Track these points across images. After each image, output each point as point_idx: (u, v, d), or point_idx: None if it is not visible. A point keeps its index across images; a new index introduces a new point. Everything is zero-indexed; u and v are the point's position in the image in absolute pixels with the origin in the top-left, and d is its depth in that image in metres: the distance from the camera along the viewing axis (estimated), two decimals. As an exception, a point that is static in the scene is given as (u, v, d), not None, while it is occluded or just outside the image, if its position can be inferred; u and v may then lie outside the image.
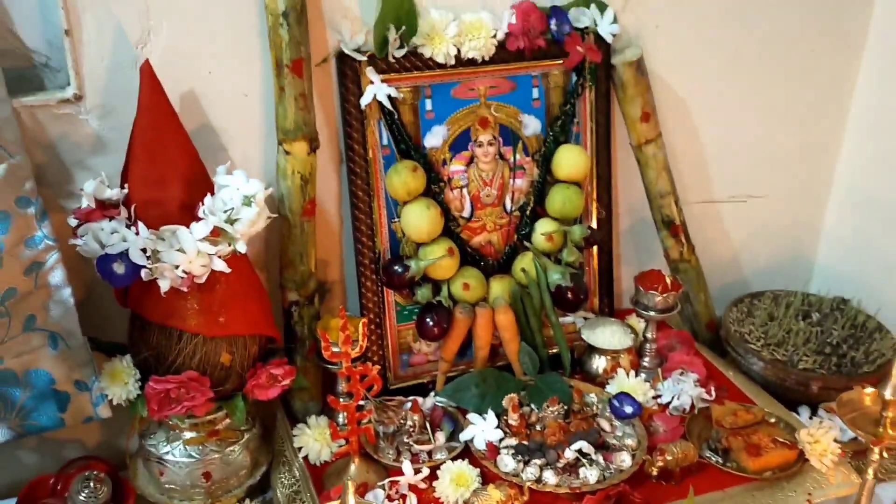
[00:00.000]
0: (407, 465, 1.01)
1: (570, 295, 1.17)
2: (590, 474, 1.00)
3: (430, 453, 1.05)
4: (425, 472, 1.01)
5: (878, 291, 1.37)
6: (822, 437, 1.07)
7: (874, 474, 0.91)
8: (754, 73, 1.31)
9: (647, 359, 1.22)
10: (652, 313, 1.19)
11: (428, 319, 1.13)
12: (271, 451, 1.09)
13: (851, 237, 1.45)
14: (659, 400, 1.16)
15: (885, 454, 0.89)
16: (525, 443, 1.05)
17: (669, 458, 1.03)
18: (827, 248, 1.50)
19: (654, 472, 1.03)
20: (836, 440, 1.06)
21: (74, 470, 1.06)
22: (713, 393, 1.16)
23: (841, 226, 1.47)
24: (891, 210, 1.37)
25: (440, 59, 1.08)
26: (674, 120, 1.27)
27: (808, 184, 1.45)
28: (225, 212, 0.93)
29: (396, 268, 1.11)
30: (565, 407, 1.10)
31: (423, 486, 1.01)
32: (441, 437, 1.07)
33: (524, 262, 1.17)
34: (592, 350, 1.20)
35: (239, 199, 0.94)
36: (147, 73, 0.92)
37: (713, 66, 1.28)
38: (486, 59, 1.11)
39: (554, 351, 1.21)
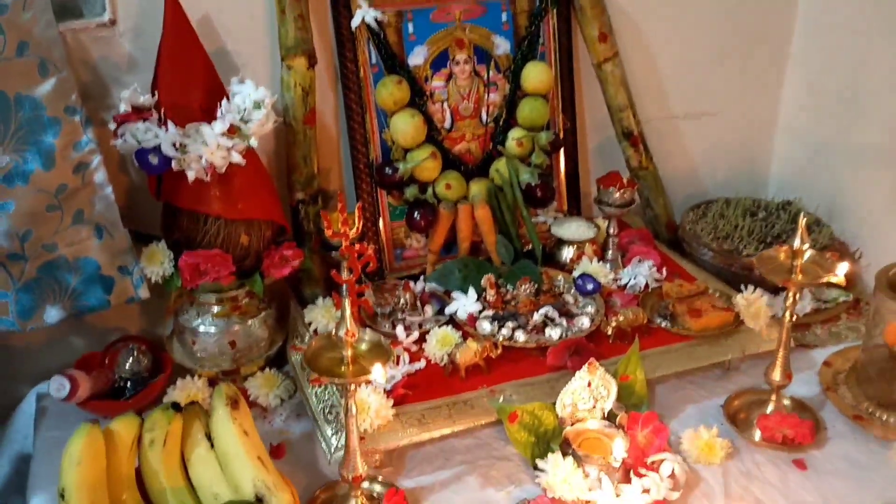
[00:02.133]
0: (400, 330, 1.20)
1: (538, 192, 1.34)
2: (553, 333, 1.19)
3: (420, 325, 1.24)
4: (415, 335, 1.20)
5: (820, 196, 1.55)
6: (755, 301, 1.24)
7: (791, 315, 1.08)
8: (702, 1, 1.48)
9: (609, 251, 1.39)
10: (612, 209, 1.36)
11: (416, 214, 1.31)
12: (285, 331, 1.28)
13: (800, 149, 1.62)
14: (618, 282, 1.34)
15: (797, 297, 1.06)
16: (500, 313, 1.23)
17: (622, 318, 1.21)
18: (778, 161, 1.67)
19: (609, 332, 1.21)
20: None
21: (120, 346, 1.25)
22: (664, 273, 1.34)
23: (790, 140, 1.63)
24: (827, 127, 1.53)
25: (419, -14, 1.26)
26: (630, 41, 1.44)
27: (757, 103, 1.60)
28: (239, 113, 1.11)
29: (387, 170, 1.29)
30: (536, 286, 1.27)
31: (413, 347, 1.19)
32: (429, 310, 1.25)
33: (499, 165, 1.34)
34: (561, 242, 1.38)
35: (250, 103, 1.12)
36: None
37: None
38: (460, -14, 1.28)
39: (528, 247, 1.39)
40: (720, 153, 1.63)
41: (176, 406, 0.99)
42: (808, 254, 1.06)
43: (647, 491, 0.99)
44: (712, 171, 1.63)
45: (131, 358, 1.20)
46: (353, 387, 0.90)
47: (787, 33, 1.56)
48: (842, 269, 1.03)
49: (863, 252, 1.46)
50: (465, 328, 1.20)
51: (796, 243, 1.04)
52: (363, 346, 0.91)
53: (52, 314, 1.18)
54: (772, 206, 1.53)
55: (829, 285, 1.36)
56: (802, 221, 1.03)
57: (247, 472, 0.93)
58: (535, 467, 1.04)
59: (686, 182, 1.61)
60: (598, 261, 1.35)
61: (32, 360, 1.28)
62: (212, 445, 0.98)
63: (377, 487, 1.02)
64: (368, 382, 0.93)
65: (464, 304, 1.23)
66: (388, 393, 1.08)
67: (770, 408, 1.14)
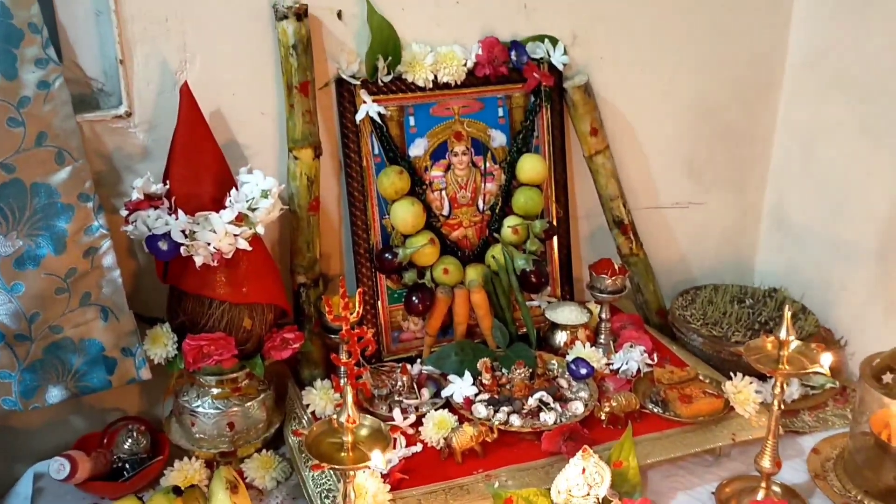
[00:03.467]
0: (397, 413, 1.22)
1: (533, 278, 1.39)
2: (548, 417, 1.21)
3: (416, 408, 1.26)
4: (412, 419, 1.22)
5: (805, 284, 1.60)
6: (744, 388, 1.27)
7: (779, 404, 1.11)
8: (688, 96, 1.55)
9: (602, 336, 1.43)
10: (604, 295, 1.40)
11: (414, 298, 1.35)
12: (283, 412, 1.29)
13: (785, 239, 1.67)
14: (610, 367, 1.37)
15: (784, 385, 1.09)
16: (496, 396, 1.26)
17: (615, 404, 1.23)
18: (764, 250, 1.73)
19: (603, 417, 1.23)
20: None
21: (119, 427, 1.26)
22: (655, 358, 1.37)
23: (775, 230, 1.69)
24: (811, 219, 1.59)
25: (420, 84, 1.32)
26: (620, 134, 1.51)
27: (743, 193, 1.67)
28: (247, 201, 1.15)
29: (387, 255, 1.33)
30: (530, 370, 1.30)
31: (410, 431, 1.21)
32: (426, 393, 1.27)
33: (495, 252, 1.39)
34: (555, 327, 1.41)
35: (258, 192, 1.17)
36: (186, 93, 1.16)
37: (651, 89, 1.51)
38: (459, 83, 1.34)
39: (523, 331, 1.42)
40: (707, 241, 1.68)
41: (177, 490, 1.00)
42: (793, 344, 1.09)
43: (641, 581, 1.00)
44: (700, 259, 1.68)
45: (130, 439, 1.21)
46: (352, 473, 0.92)
47: (770, 130, 1.63)
48: (826, 360, 1.07)
49: (847, 340, 1.50)
50: (462, 412, 1.22)
51: (782, 334, 1.08)
52: (363, 432, 0.94)
53: (55, 394, 1.21)
54: (758, 293, 1.57)
55: (816, 373, 1.41)
56: (788, 313, 1.07)
57: (245, 557, 0.94)
58: (530, 554, 1.05)
59: (675, 269, 1.66)
60: (591, 345, 1.38)
61: (30, 439, 1.29)
62: (211, 529, 0.99)
63: (374, 576, 1.03)
64: (368, 468, 0.94)
65: (460, 387, 1.26)
66: (385, 477, 1.09)
67: (760, 495, 1.16)
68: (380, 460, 0.89)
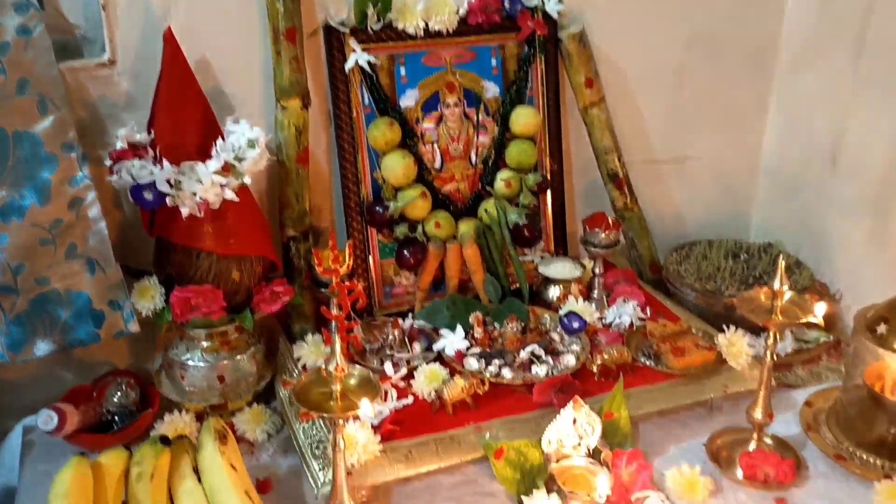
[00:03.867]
0: (388, 366, 1.21)
1: (526, 232, 1.38)
2: (540, 370, 1.20)
3: (408, 361, 1.25)
4: (403, 372, 1.21)
5: (800, 239, 1.58)
6: (736, 341, 1.27)
7: (771, 355, 1.10)
8: (687, 46, 1.52)
9: (595, 291, 1.42)
10: (597, 249, 1.39)
11: (405, 252, 1.33)
12: (274, 367, 1.29)
13: (781, 194, 1.65)
14: (603, 321, 1.36)
15: (777, 336, 1.09)
16: (487, 350, 1.25)
17: (606, 356, 1.23)
18: (760, 205, 1.71)
19: (595, 369, 1.23)
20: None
21: (108, 380, 1.26)
22: (648, 313, 1.36)
23: (771, 184, 1.67)
24: (808, 174, 1.57)
25: (411, 31, 1.30)
26: (616, 86, 1.48)
27: (739, 148, 1.65)
28: (234, 151, 1.13)
29: (378, 208, 1.32)
30: (522, 324, 1.29)
31: (401, 384, 1.21)
32: (417, 347, 1.27)
33: (487, 205, 1.37)
34: (548, 281, 1.40)
35: (245, 141, 1.15)
36: (169, 39, 1.13)
37: (648, 40, 1.49)
38: (451, 31, 1.32)
39: (515, 286, 1.41)
40: (703, 196, 1.66)
41: (164, 440, 0.99)
42: (787, 295, 1.08)
43: (631, 530, 1.01)
44: (695, 214, 1.67)
45: (119, 392, 1.20)
46: (341, 422, 0.91)
47: (768, 82, 1.61)
48: (820, 310, 1.06)
49: (842, 294, 1.49)
50: (453, 365, 1.21)
51: (776, 285, 1.07)
52: (352, 382, 0.93)
53: (42, 347, 1.20)
54: (753, 248, 1.56)
55: (809, 326, 1.41)
56: (781, 263, 1.06)
57: (234, 506, 0.94)
58: (521, 503, 1.05)
59: (670, 224, 1.65)
60: (584, 300, 1.37)
61: (19, 393, 1.29)
62: (199, 479, 0.98)
63: (364, 528, 1.03)
64: (357, 417, 0.94)
65: (452, 341, 1.25)
66: (376, 428, 1.09)
67: (752, 446, 1.16)
68: (368, 409, 0.88)
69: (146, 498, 0.95)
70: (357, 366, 0.95)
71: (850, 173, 1.47)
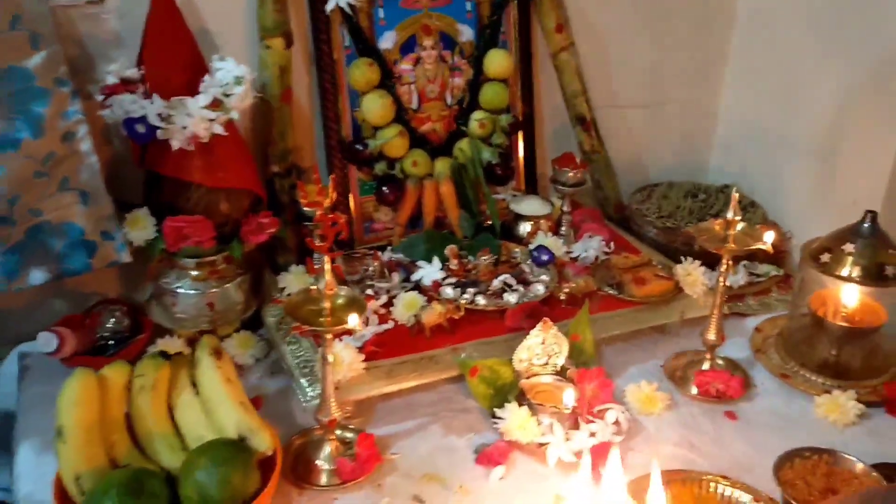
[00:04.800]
0: (369, 294, 1.29)
1: (498, 170, 1.45)
2: (511, 297, 1.29)
3: (387, 291, 1.33)
4: (384, 300, 1.29)
5: (755, 181, 1.68)
6: (693, 271, 1.36)
7: (724, 280, 1.20)
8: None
9: (563, 227, 1.50)
10: (565, 188, 1.47)
11: (384, 188, 1.40)
12: (260, 297, 1.35)
13: (738, 138, 1.74)
14: (570, 255, 1.44)
15: (730, 264, 1.18)
16: (462, 280, 1.33)
17: (574, 286, 1.32)
18: (718, 150, 1.80)
19: (562, 297, 1.31)
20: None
21: (100, 308, 1.31)
22: (612, 247, 1.45)
23: (729, 129, 1.76)
24: (763, 120, 1.66)
25: (390, -25, 1.35)
26: (584, 32, 1.54)
27: (700, 94, 1.73)
28: (221, 87, 1.18)
29: (358, 146, 1.38)
30: (495, 257, 1.37)
31: (381, 311, 1.28)
32: (396, 278, 1.34)
33: (462, 145, 1.44)
34: (519, 218, 1.48)
35: (231, 78, 1.19)
36: (157, -22, 1.17)
37: (616, -10, 1.56)
38: (428, -24, 1.38)
39: (488, 223, 1.49)
40: (666, 140, 1.75)
41: (164, 354, 1.06)
42: (739, 225, 1.18)
43: (593, 434, 1.10)
44: (658, 158, 1.75)
45: (113, 318, 1.26)
46: (330, 336, 0.99)
47: (727, 30, 1.68)
48: (769, 237, 1.15)
49: (792, 232, 1.59)
50: (430, 293, 1.29)
51: (729, 215, 1.16)
52: (340, 301, 1.00)
53: (37, 276, 1.25)
54: (711, 188, 1.65)
55: (761, 259, 1.51)
56: (735, 195, 1.15)
57: (231, 415, 1.01)
58: (494, 416, 1.14)
59: (634, 167, 1.73)
60: (553, 235, 1.45)
61: (13, 322, 1.34)
62: (196, 393, 1.05)
63: (349, 434, 1.11)
64: (347, 332, 1.01)
65: (428, 272, 1.33)
66: (359, 350, 1.17)
67: (706, 366, 1.26)
68: (356, 322, 0.96)
69: (147, 408, 1.01)
70: (344, 287, 1.02)
71: (801, 119, 1.56)
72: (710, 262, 1.34)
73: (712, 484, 1.02)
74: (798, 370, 1.29)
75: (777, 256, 1.53)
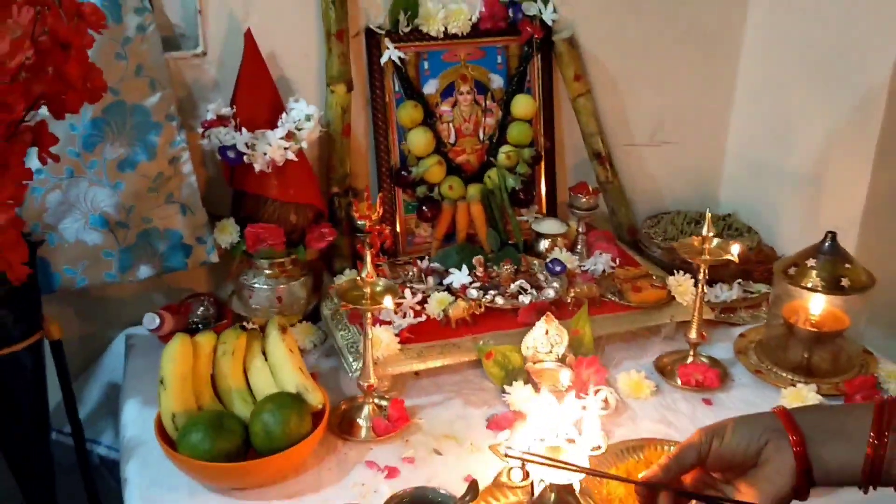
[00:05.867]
0: (408, 293, 1.55)
1: (521, 195, 1.71)
2: (525, 298, 1.53)
3: (423, 291, 1.59)
4: (419, 297, 1.55)
5: (756, 210, 1.90)
6: (683, 282, 1.58)
7: (702, 287, 1.42)
8: (660, 50, 1.83)
9: (578, 246, 1.74)
10: (580, 212, 1.71)
11: (424, 208, 1.67)
12: (319, 295, 1.64)
13: (744, 173, 1.96)
14: (581, 268, 1.68)
15: (706, 271, 1.41)
16: (485, 284, 1.58)
17: (578, 290, 1.55)
18: (726, 183, 2.02)
19: (569, 300, 1.55)
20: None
21: (191, 300, 1.61)
22: (617, 261, 1.68)
23: (735, 165, 1.98)
24: (764, 155, 1.88)
25: (433, 34, 1.62)
26: (601, 81, 1.79)
27: (709, 134, 1.96)
28: (294, 123, 1.48)
29: (404, 172, 1.66)
30: (515, 267, 1.62)
31: (417, 307, 1.54)
32: (431, 281, 1.60)
33: (491, 173, 1.71)
34: (539, 236, 1.73)
35: (303, 116, 1.49)
36: (249, 37, 1.48)
37: (629, 44, 1.80)
38: (465, 34, 1.64)
39: (512, 242, 1.74)
40: (677, 175, 1.96)
41: (243, 328, 1.35)
42: (714, 241, 1.40)
43: (584, 408, 1.33)
44: (671, 189, 1.98)
45: (202, 307, 1.56)
46: (370, 315, 1.26)
47: (731, 79, 1.91)
48: (735, 249, 1.38)
49: (785, 255, 1.80)
50: (458, 294, 1.55)
51: (704, 231, 1.39)
52: (378, 287, 1.27)
53: (144, 271, 1.54)
54: (715, 217, 1.87)
55: (756, 277, 1.71)
56: (708, 215, 1.38)
57: (291, 376, 1.29)
58: (504, 392, 1.38)
59: (649, 198, 1.96)
60: (568, 251, 1.70)
61: (122, 309, 1.64)
62: (265, 360, 1.33)
63: (384, 402, 1.37)
64: (382, 308, 1.27)
65: (458, 277, 1.58)
66: (396, 335, 1.43)
67: (689, 360, 1.48)
68: (390, 303, 1.22)
69: (228, 369, 1.30)
70: (383, 278, 1.30)
71: (793, 155, 1.78)
72: (710, 280, 1.57)
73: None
74: (772, 368, 1.49)
75: (769, 277, 1.74)
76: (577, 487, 1.03)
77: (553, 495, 0.99)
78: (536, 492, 1.06)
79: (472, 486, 1.06)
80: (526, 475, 1.15)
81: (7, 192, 1.08)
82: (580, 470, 0.99)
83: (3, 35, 1.00)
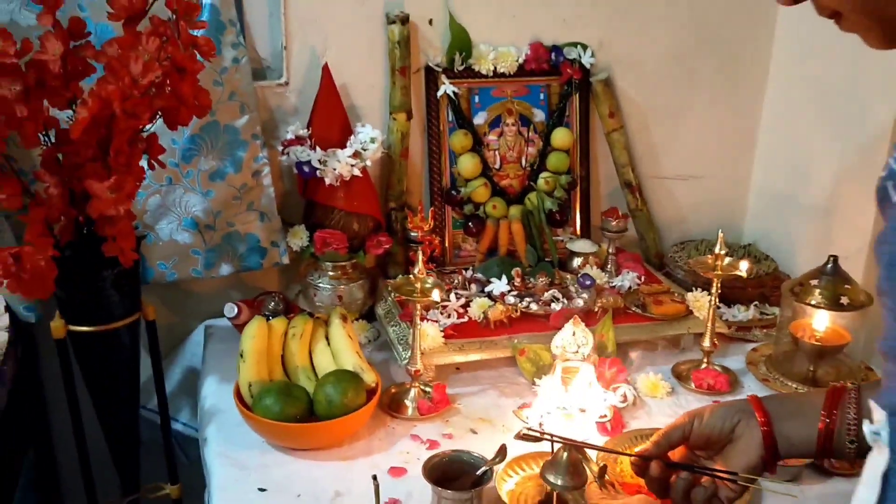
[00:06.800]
0: (453, 297, 1.75)
1: (557, 216, 1.91)
2: (556, 306, 1.72)
3: (466, 297, 1.79)
4: (462, 301, 1.75)
5: (775, 239, 2.06)
6: (700, 298, 1.75)
7: (715, 299, 1.58)
8: (689, 91, 2.03)
9: (608, 265, 1.93)
10: (610, 233, 1.90)
11: (470, 224, 1.88)
12: (374, 297, 1.85)
13: (766, 205, 2.13)
14: (610, 284, 1.86)
15: (718, 284, 1.57)
16: (522, 293, 1.78)
17: (605, 301, 1.73)
18: (750, 214, 2.19)
19: (596, 309, 1.73)
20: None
21: (264, 297, 1.83)
22: (643, 279, 1.86)
23: (759, 198, 2.15)
24: (784, 188, 2.05)
25: (484, 73, 1.85)
26: (633, 118, 1.99)
27: (734, 170, 2.14)
28: (361, 144, 1.71)
29: (453, 192, 1.87)
30: (549, 279, 1.82)
31: (460, 310, 1.74)
32: (474, 288, 1.80)
33: (531, 196, 1.91)
34: (573, 254, 1.92)
35: (368, 138, 1.72)
36: (325, 71, 1.72)
37: (659, 85, 2.00)
38: (511, 74, 1.86)
39: (548, 259, 1.94)
40: (704, 206, 2.13)
41: (311, 315, 1.56)
42: (727, 260, 1.58)
43: (605, 400, 1.51)
44: (698, 219, 2.14)
45: (273, 302, 1.77)
46: (419, 306, 1.46)
47: (755, 120, 2.10)
48: (743, 266, 1.55)
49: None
50: (497, 300, 1.75)
51: (716, 249, 1.57)
52: (427, 284, 1.47)
53: (225, 269, 1.78)
54: (735, 245, 2.04)
55: (773, 301, 1.87)
56: (721, 236, 1.56)
57: (349, 358, 1.49)
58: (534, 384, 1.57)
59: (677, 225, 2.13)
60: (599, 269, 1.89)
61: (202, 303, 1.87)
62: (328, 343, 1.55)
63: (428, 388, 1.56)
64: (432, 302, 1.47)
65: (498, 285, 1.78)
66: (442, 332, 1.63)
67: (703, 366, 1.64)
68: (437, 296, 1.43)
69: (297, 350, 1.51)
70: (432, 276, 1.50)
71: (809, 188, 1.95)
72: (728, 299, 1.76)
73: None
74: (779, 378, 1.65)
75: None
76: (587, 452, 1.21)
77: (565, 454, 1.17)
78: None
79: (501, 450, 1.25)
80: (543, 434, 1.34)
81: (128, 188, 1.33)
82: (585, 446, 1.17)
83: (138, 59, 1.25)
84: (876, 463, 0.69)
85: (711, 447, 1.10)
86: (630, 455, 1.14)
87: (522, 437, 1.18)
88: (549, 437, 1.17)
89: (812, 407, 1.03)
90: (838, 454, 1.02)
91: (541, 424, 1.33)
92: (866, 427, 0.71)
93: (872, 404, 0.69)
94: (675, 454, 1.13)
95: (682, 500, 1.07)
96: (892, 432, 0.67)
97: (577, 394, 1.28)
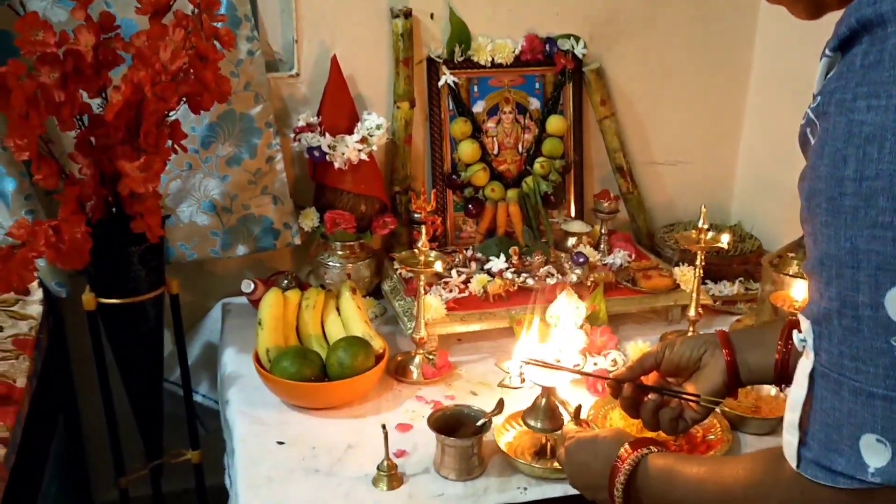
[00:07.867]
0: (454, 273, 1.87)
1: (552, 198, 2.03)
2: (551, 280, 1.84)
3: (467, 274, 1.91)
4: (463, 277, 1.87)
5: (759, 220, 2.18)
6: (687, 272, 1.87)
7: (699, 270, 1.70)
8: (677, 80, 2.14)
9: (600, 245, 2.04)
10: (602, 214, 2.02)
11: (470, 206, 2.00)
12: (380, 276, 1.96)
13: (753, 188, 2.25)
14: (602, 261, 1.98)
15: (702, 256, 1.69)
16: (519, 269, 1.89)
17: (597, 276, 1.85)
18: (737, 198, 2.31)
19: (589, 284, 1.85)
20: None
21: (277, 276, 1.95)
22: (633, 257, 1.98)
23: (745, 181, 2.27)
24: (771, 174, 2.17)
25: (482, 63, 1.97)
26: (624, 105, 2.11)
27: (720, 155, 2.26)
28: (367, 130, 1.83)
29: (454, 176, 1.99)
30: (545, 257, 1.93)
31: (462, 286, 1.86)
32: (474, 265, 1.92)
33: (527, 179, 2.03)
34: (567, 234, 2.04)
35: (374, 125, 1.84)
36: (334, 62, 1.84)
37: (649, 75, 2.12)
38: (508, 64, 1.98)
39: (544, 240, 2.05)
40: (692, 189, 2.25)
41: (322, 286, 1.68)
42: (709, 234, 1.69)
43: (595, 364, 1.62)
44: (686, 202, 2.26)
45: (286, 280, 1.88)
46: (423, 277, 1.58)
47: (740, 108, 2.22)
48: (725, 239, 1.66)
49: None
50: (495, 276, 1.86)
51: (699, 224, 1.68)
52: (430, 257, 1.59)
53: (241, 249, 1.90)
54: (723, 226, 2.16)
55: (757, 277, 1.99)
56: (704, 211, 1.68)
57: (359, 326, 1.61)
58: (530, 351, 1.68)
59: (667, 208, 2.25)
60: (592, 248, 2.00)
61: (220, 282, 1.99)
62: (339, 314, 1.66)
63: (431, 356, 1.68)
64: (434, 272, 1.59)
65: (496, 263, 1.89)
66: (444, 304, 1.74)
67: (689, 335, 1.76)
68: (440, 267, 1.54)
69: (310, 319, 1.63)
70: (434, 250, 1.62)
71: (795, 170, 2.06)
72: (712, 274, 1.88)
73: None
74: (760, 346, 1.76)
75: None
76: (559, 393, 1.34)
77: (543, 400, 1.29)
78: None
79: (499, 403, 1.37)
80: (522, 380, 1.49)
81: (156, 167, 1.45)
82: (570, 370, 1.30)
83: (167, 47, 1.37)
84: (804, 366, 0.79)
85: (681, 374, 1.21)
86: (607, 379, 1.25)
87: (527, 363, 1.30)
88: (548, 365, 1.29)
89: (771, 337, 1.14)
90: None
91: (521, 374, 1.46)
92: (796, 336, 0.80)
93: (800, 316, 0.79)
94: (649, 379, 1.24)
95: (651, 419, 1.19)
96: (816, 338, 0.77)
97: (553, 347, 1.41)
